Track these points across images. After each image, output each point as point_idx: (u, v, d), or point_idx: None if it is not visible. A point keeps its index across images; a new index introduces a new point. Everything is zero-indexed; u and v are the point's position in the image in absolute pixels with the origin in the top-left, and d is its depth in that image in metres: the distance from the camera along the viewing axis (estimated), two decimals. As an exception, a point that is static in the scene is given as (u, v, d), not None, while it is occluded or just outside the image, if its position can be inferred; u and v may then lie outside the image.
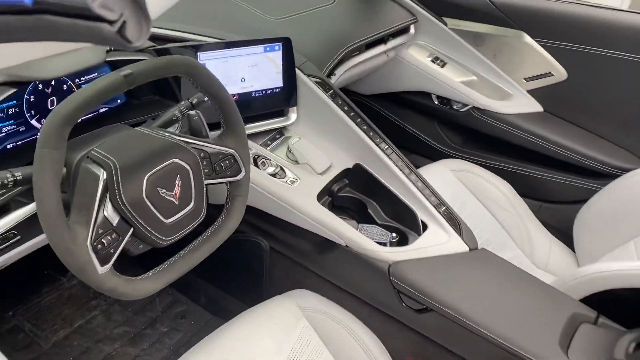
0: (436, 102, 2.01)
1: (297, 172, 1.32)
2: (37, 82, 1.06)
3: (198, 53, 1.22)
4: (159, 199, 0.91)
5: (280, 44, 1.32)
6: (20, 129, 1.06)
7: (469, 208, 1.66)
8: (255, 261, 1.44)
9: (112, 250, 0.87)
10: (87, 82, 1.15)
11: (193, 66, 0.94)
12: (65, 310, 1.58)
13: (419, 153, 2.16)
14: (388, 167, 1.31)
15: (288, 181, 1.30)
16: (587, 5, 1.73)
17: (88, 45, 0.83)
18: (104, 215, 0.86)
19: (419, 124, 2.12)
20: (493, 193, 1.70)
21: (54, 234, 0.79)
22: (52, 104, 1.10)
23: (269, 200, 1.29)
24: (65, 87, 1.11)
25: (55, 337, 1.49)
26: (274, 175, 1.31)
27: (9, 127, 1.04)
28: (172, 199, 0.94)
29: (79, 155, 0.90)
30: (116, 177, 0.86)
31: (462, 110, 1.94)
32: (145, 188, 0.89)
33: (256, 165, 1.31)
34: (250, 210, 1.33)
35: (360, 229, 1.26)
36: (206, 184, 1.02)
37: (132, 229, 0.90)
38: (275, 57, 1.33)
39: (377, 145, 1.33)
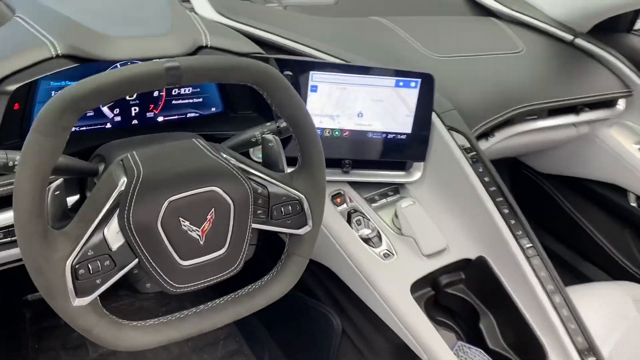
0: (634, 204, 1.51)
1: (396, 245, 1.01)
2: (118, 66, 0.93)
3: (311, 72, 0.99)
4: (177, 232, 0.69)
5: (419, 80, 1.03)
6: (88, 114, 0.94)
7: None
8: (323, 339, 1.14)
9: (98, 281, 0.67)
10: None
11: (266, 74, 0.69)
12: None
13: (594, 262, 1.65)
14: (523, 274, 0.93)
15: (381, 253, 0.99)
16: None
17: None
18: (103, 234, 0.66)
19: (603, 225, 1.62)
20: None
21: (23, 243, 0.61)
22: (131, 94, 0.96)
23: (349, 270, 0.99)
24: (150, 78, 0.96)
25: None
26: (366, 240, 1.01)
27: (74, 108, 0.92)
28: (196, 236, 0.71)
29: (119, 157, 0.72)
30: (133, 190, 0.66)
31: (669, 223, 1.42)
32: (163, 213, 0.67)
33: (348, 221, 1.03)
34: (329, 274, 1.04)
35: (458, 349, 0.90)
36: (255, 229, 0.77)
37: (135, 261, 0.68)
38: (408, 96, 1.04)
39: (516, 239, 0.96)
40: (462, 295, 1.00)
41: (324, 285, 1.12)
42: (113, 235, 0.66)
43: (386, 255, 0.99)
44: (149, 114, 0.99)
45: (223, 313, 0.77)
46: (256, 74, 0.68)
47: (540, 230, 1.81)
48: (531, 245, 0.95)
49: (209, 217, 0.71)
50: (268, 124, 0.92)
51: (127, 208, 0.65)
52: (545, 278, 0.92)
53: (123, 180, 0.67)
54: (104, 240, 0.65)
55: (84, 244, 0.64)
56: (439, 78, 1.20)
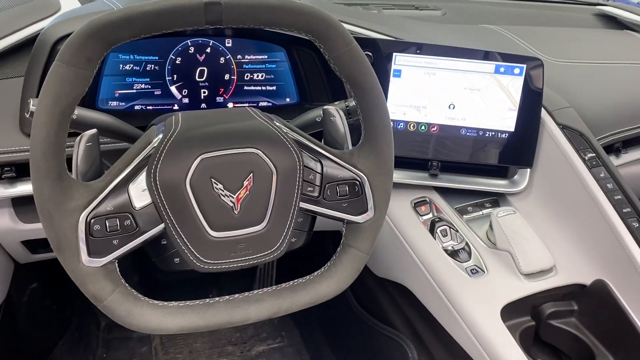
0: None
1: (488, 260, 0.82)
2: (190, 43, 0.89)
3: (394, 54, 0.88)
4: (208, 196, 0.60)
5: (524, 67, 0.87)
6: (155, 92, 0.90)
7: None
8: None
9: (115, 242, 0.59)
10: (252, 62, 0.94)
11: (323, 20, 0.59)
12: (199, 343, 1.36)
13: None
14: (659, 306, 0.69)
15: (468, 269, 0.81)
16: None
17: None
18: (127, 190, 0.58)
19: None
20: None
21: (34, 182, 0.55)
22: (200, 75, 0.91)
23: (428, 287, 0.82)
24: (222, 60, 0.92)
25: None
26: (452, 254, 0.83)
27: (143, 85, 0.89)
28: (230, 203, 0.61)
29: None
30: (164, 145, 0.59)
31: None
32: (193, 171, 0.59)
33: (432, 230, 0.86)
34: (407, 296, 0.88)
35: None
36: (303, 209, 0.65)
37: (161, 226, 0.60)
38: (511, 85, 0.88)
39: (651, 260, 0.72)
40: (573, 330, 0.77)
41: (401, 310, 0.94)
42: (138, 192, 0.58)
43: (474, 272, 0.80)
44: (219, 99, 0.93)
45: (259, 306, 0.64)
46: (310, 19, 0.58)
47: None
48: (672, 268, 0.71)
49: (246, 182, 0.60)
50: (337, 102, 0.82)
51: (155, 163, 0.57)
52: (692, 313, 0.68)
53: (159, 137, 0.60)
54: (128, 196, 0.58)
55: (104, 197, 0.57)
56: (558, 83, 1.03)
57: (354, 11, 1.19)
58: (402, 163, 0.92)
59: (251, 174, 0.60)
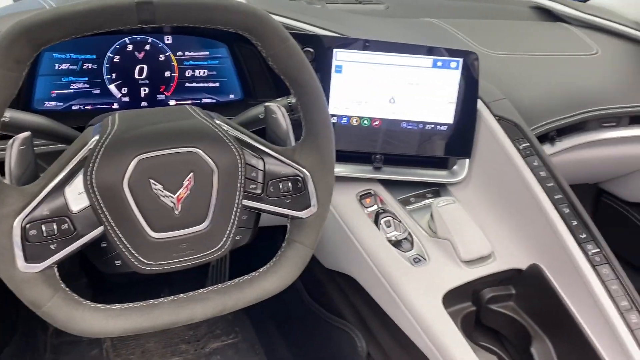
0: None
1: (429, 249, 0.84)
2: (128, 40, 0.87)
3: (334, 49, 0.89)
4: (147, 196, 0.59)
5: (461, 60, 0.90)
6: (94, 91, 0.88)
7: None
8: (346, 363, 0.97)
9: (52, 246, 0.58)
10: (193, 59, 0.93)
11: (259, 18, 0.59)
12: (151, 343, 1.35)
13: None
14: (588, 287, 0.74)
15: (411, 258, 0.83)
16: None
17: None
18: (64, 193, 0.57)
19: None
20: None
21: None
22: (140, 73, 0.90)
23: (373, 277, 0.84)
24: (162, 57, 0.90)
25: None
26: (396, 243, 0.85)
27: (80, 85, 0.87)
28: (170, 203, 0.60)
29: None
30: (101, 146, 0.58)
31: None
32: (131, 172, 0.58)
33: (376, 222, 0.88)
34: (355, 287, 0.89)
35: (501, 377, 0.71)
36: (247, 207, 0.65)
37: (100, 229, 0.59)
38: (448, 78, 0.90)
39: (579, 243, 0.77)
40: (511, 313, 0.81)
41: (349, 300, 0.96)
42: (75, 195, 0.57)
43: (416, 260, 0.83)
44: (160, 96, 0.92)
45: (205, 304, 0.65)
46: (245, 17, 0.58)
47: (628, 268, 1.53)
48: (598, 250, 0.76)
49: (186, 182, 0.60)
50: (279, 99, 0.82)
51: (91, 165, 0.56)
52: (617, 292, 0.72)
53: (95, 138, 0.59)
54: (64, 200, 0.57)
55: (40, 202, 0.55)
56: (495, 75, 1.06)
57: (296, 6, 1.19)
58: (347, 157, 0.93)
59: (191, 174, 0.60)
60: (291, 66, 0.62)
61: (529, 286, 0.80)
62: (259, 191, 0.65)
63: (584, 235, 0.77)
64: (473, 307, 0.82)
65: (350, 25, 1.09)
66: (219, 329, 1.38)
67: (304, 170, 0.66)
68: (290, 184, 0.66)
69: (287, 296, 0.68)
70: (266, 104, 0.76)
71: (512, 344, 0.81)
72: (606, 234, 1.62)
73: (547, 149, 1.07)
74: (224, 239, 0.64)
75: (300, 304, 1.12)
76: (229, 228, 0.63)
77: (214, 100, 0.96)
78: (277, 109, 0.75)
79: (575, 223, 0.78)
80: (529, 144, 0.87)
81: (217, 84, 0.95)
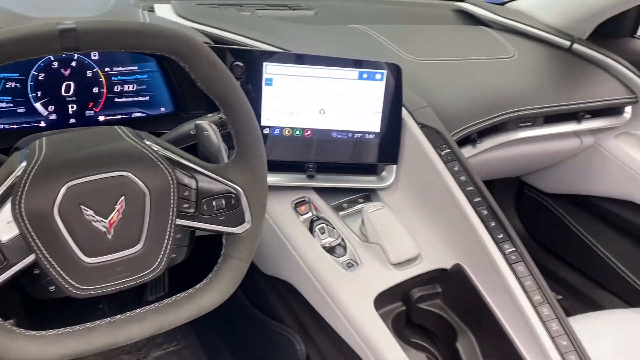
0: (648, 221, 1.36)
1: (361, 254, 0.88)
2: (52, 58, 0.86)
3: (264, 63, 0.91)
4: (79, 223, 0.59)
5: (385, 72, 0.94)
6: (19, 110, 0.86)
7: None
8: (286, 367, 1.01)
9: None
10: (121, 74, 0.92)
11: (186, 42, 0.60)
12: (91, 356, 1.33)
13: (609, 289, 1.48)
14: (505, 284, 0.80)
15: (344, 263, 0.87)
16: None
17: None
18: None
19: (617, 247, 1.46)
20: None
21: None
22: (67, 90, 0.88)
23: (308, 283, 0.87)
24: (89, 73, 0.89)
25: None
26: (330, 250, 0.89)
27: (4, 104, 0.85)
28: (102, 228, 0.61)
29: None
30: (28, 174, 0.57)
31: (691, 240, 1.26)
32: (61, 199, 0.58)
33: (311, 229, 0.91)
34: (294, 292, 0.92)
35: (429, 371, 0.76)
36: (181, 226, 0.67)
37: (32, 257, 0.58)
38: (374, 89, 0.94)
39: (497, 243, 0.83)
40: (438, 311, 0.86)
41: (288, 306, 0.99)
42: (3, 225, 0.57)
43: (349, 265, 0.87)
44: (89, 113, 0.91)
45: (142, 324, 0.66)
46: (172, 42, 0.59)
47: (548, 255, 1.65)
48: (514, 249, 0.82)
49: (117, 206, 0.61)
50: (210, 115, 0.83)
51: (20, 193, 0.56)
52: (530, 287, 0.79)
53: (22, 165, 0.58)
54: None
55: None
56: (419, 81, 1.11)
57: (226, 14, 1.20)
58: (281, 166, 0.96)
59: (123, 197, 0.61)
60: (220, 88, 0.64)
61: (454, 285, 0.86)
62: (192, 210, 0.67)
63: (501, 236, 0.83)
64: (403, 306, 0.87)
65: (280, 35, 1.11)
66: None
67: (236, 187, 0.68)
68: (223, 201, 0.68)
69: (228, 302, 0.70)
70: (197, 122, 0.78)
71: (440, 340, 0.87)
72: (528, 222, 1.75)
73: (470, 150, 1.14)
74: (159, 260, 0.65)
75: (240, 309, 1.14)
76: (163, 248, 0.65)
77: (145, 114, 0.96)
78: (209, 127, 0.76)
79: (493, 224, 0.84)
80: (450, 150, 0.92)
81: (147, 98, 0.95)
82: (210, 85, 0.63)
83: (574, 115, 1.30)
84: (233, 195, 0.68)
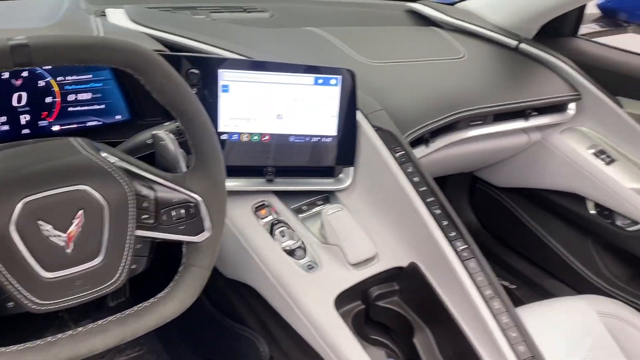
0: (592, 212, 1.44)
1: (321, 255, 0.91)
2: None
3: (219, 70, 0.91)
4: (37, 238, 0.59)
5: (339, 77, 0.96)
6: (-33, 121, 0.85)
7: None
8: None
9: None
10: (75, 83, 0.91)
11: (139, 54, 0.61)
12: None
13: (558, 277, 1.56)
14: (458, 280, 0.84)
15: (305, 265, 0.89)
16: None
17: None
18: None
19: (564, 237, 1.54)
20: (661, 364, 1.07)
21: None
22: (19, 100, 0.87)
23: (270, 286, 0.89)
24: (42, 83, 0.88)
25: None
26: (290, 252, 0.91)
27: (-48, 117, 0.83)
28: (61, 242, 0.61)
29: None
30: None
31: (629, 229, 1.35)
32: (18, 216, 0.57)
33: (271, 232, 0.93)
34: (256, 295, 0.94)
35: (388, 367, 0.79)
36: (141, 237, 0.67)
37: None
38: (329, 94, 0.97)
39: (450, 241, 0.87)
40: (396, 308, 0.90)
41: (251, 308, 1.01)
42: None
43: (310, 267, 0.89)
44: (42, 123, 0.90)
45: (104, 335, 0.66)
46: (126, 55, 0.60)
47: (501, 246, 1.72)
48: (466, 246, 0.86)
49: (76, 220, 0.61)
50: (167, 123, 0.84)
51: None
52: (482, 282, 0.83)
53: None
54: None
55: None
56: (372, 83, 1.14)
57: (180, 18, 1.20)
58: (240, 171, 0.97)
59: (81, 211, 0.61)
60: (176, 99, 0.65)
61: (410, 282, 0.89)
62: (151, 221, 0.68)
63: (454, 234, 0.87)
64: (362, 305, 0.90)
65: (236, 39, 1.12)
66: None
67: (195, 196, 0.69)
68: (183, 211, 0.69)
69: (191, 306, 0.71)
70: (154, 131, 0.78)
71: (399, 336, 0.90)
72: (481, 215, 1.81)
73: (423, 150, 1.18)
74: (120, 271, 0.66)
75: (203, 313, 1.15)
76: (123, 260, 0.66)
77: (101, 123, 0.95)
78: (166, 136, 0.77)
79: (445, 223, 0.88)
80: (404, 152, 0.96)
81: (102, 106, 0.94)
82: (166, 97, 0.64)
83: (521, 113, 1.35)
84: (192, 204, 0.70)
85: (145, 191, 0.67)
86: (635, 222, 1.34)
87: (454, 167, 1.53)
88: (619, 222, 1.38)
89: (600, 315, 1.12)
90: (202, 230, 0.71)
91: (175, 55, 0.89)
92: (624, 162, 1.39)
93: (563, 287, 1.55)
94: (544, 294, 1.59)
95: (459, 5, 1.63)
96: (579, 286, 1.50)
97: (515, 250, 1.70)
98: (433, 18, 1.53)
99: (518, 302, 1.59)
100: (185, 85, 0.65)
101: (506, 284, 1.68)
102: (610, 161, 1.40)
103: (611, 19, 1.54)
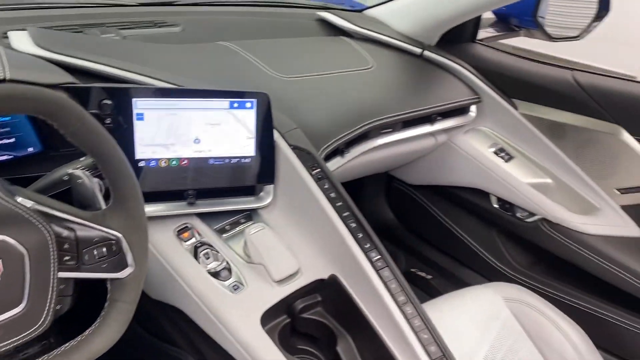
0: (495, 205, 1.56)
1: (246, 275, 0.94)
2: None
3: (134, 99, 0.92)
4: None
5: (255, 101, 0.99)
6: None
7: (519, 358, 1.16)
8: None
9: None
10: (-20, 118, 0.89)
11: (51, 102, 0.61)
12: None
13: (471, 267, 1.68)
14: (374, 288, 0.90)
15: (231, 286, 0.92)
16: None
17: None
18: None
19: (472, 229, 1.66)
20: (558, 342, 1.19)
21: None
22: None
23: (197, 308, 0.91)
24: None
25: None
26: (215, 274, 0.94)
27: None
28: (-18, 293, 0.60)
29: None
30: None
31: (528, 220, 1.48)
32: None
33: (195, 255, 0.95)
34: (182, 315, 0.96)
35: (313, 377, 0.84)
36: (63, 278, 0.68)
37: None
38: (245, 117, 1.00)
39: (365, 252, 0.93)
40: (319, 318, 0.95)
41: (180, 328, 1.03)
42: None
43: (235, 287, 0.93)
44: (-51, 161, 0.87)
45: None
46: (38, 103, 0.60)
47: (417, 239, 1.83)
48: (380, 257, 0.93)
49: None
50: (82, 158, 0.84)
51: None
52: (395, 289, 0.90)
53: None
54: None
55: None
56: (286, 99, 1.18)
57: (89, 40, 1.17)
58: (161, 195, 0.98)
59: (0, 261, 0.61)
60: (90, 141, 0.66)
61: (331, 293, 0.95)
62: (73, 262, 0.69)
63: (368, 245, 0.93)
64: (288, 318, 0.95)
65: (149, 61, 1.12)
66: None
67: (115, 233, 0.71)
68: (104, 249, 0.71)
69: None
70: (70, 170, 0.78)
71: (324, 344, 0.96)
72: (397, 211, 1.91)
73: (339, 160, 1.24)
74: (44, 315, 0.66)
75: (132, 335, 1.15)
76: (47, 304, 0.66)
77: (12, 157, 0.93)
78: (82, 174, 0.77)
79: (360, 235, 0.94)
80: (320, 169, 1.01)
81: (12, 140, 0.92)
82: (80, 140, 0.65)
83: (428, 118, 1.45)
84: (113, 241, 0.71)
85: (65, 233, 0.67)
86: (532, 214, 1.47)
87: (370, 170, 1.61)
88: (518, 214, 1.51)
89: (506, 301, 1.24)
90: (126, 266, 0.72)
91: (87, 87, 0.89)
92: (520, 159, 1.53)
93: (474, 274, 1.68)
94: (457, 282, 1.72)
95: (366, 12, 1.70)
96: (488, 273, 1.63)
97: (430, 242, 1.81)
98: (343, 28, 1.59)
99: (435, 291, 1.71)
100: (99, 127, 0.67)
101: (423, 274, 1.80)
102: (508, 158, 1.53)
103: (505, 23, 1.66)
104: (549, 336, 1.18)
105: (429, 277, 1.77)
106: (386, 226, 1.91)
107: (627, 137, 1.33)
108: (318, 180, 1.00)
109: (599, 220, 1.40)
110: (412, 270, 1.80)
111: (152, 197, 0.97)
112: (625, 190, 1.39)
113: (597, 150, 1.41)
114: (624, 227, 1.38)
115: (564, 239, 1.39)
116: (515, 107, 1.52)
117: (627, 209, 1.39)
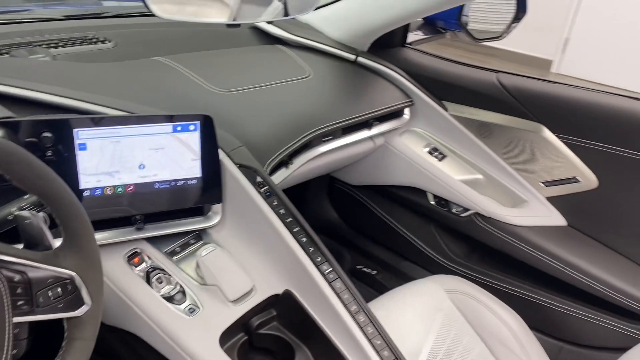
0: (432, 202, 1.64)
1: (202, 297, 0.96)
2: None
3: (74, 129, 0.90)
4: None
5: (198, 123, 1.00)
6: None
7: (462, 347, 1.24)
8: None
9: None
10: None
11: None
12: None
13: (413, 261, 1.76)
14: (327, 300, 0.94)
15: (186, 309, 0.94)
16: (628, 97, 1.36)
17: None
18: None
19: (413, 225, 1.74)
20: (496, 327, 1.28)
21: None
22: None
23: (153, 334, 0.92)
24: None
25: None
26: (169, 298, 0.94)
27: None
28: None
29: None
30: None
31: (462, 215, 1.57)
32: None
33: (148, 281, 0.95)
34: (137, 339, 0.96)
35: (274, 391, 0.87)
36: (19, 323, 0.67)
37: None
38: (190, 140, 1.00)
39: (317, 266, 0.96)
40: (276, 332, 0.98)
41: (136, 352, 1.03)
42: None
43: (191, 311, 0.94)
44: None
45: None
46: None
47: (361, 237, 1.89)
48: (331, 269, 0.97)
49: None
50: (26, 196, 0.82)
51: None
52: (348, 300, 0.94)
53: None
54: None
55: None
56: (227, 114, 1.19)
57: (19, 65, 1.13)
58: (109, 223, 0.98)
59: None
60: (39, 184, 0.66)
61: (286, 307, 0.98)
62: (28, 306, 0.68)
63: (320, 259, 0.97)
64: (246, 336, 0.97)
65: (82, 82, 1.10)
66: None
67: (70, 272, 0.71)
68: (59, 289, 0.70)
69: None
70: (15, 212, 0.77)
71: (282, 358, 0.99)
72: (340, 210, 1.96)
73: (284, 172, 1.27)
74: None
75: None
76: (4, 351, 0.65)
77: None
78: (29, 214, 0.76)
79: (312, 249, 0.98)
80: (268, 186, 1.03)
81: (-55, 178, 0.89)
82: (28, 185, 0.65)
83: (366, 124, 1.50)
84: (68, 280, 0.71)
85: (17, 277, 0.66)
86: (466, 209, 1.56)
87: (313, 175, 1.64)
88: (454, 210, 1.60)
89: (447, 292, 1.31)
90: (82, 304, 0.72)
91: (27, 120, 0.87)
92: (453, 158, 1.61)
93: (415, 267, 1.76)
94: (401, 275, 1.80)
95: (299, 17, 1.72)
96: (429, 266, 1.71)
97: (373, 239, 1.88)
98: (278, 36, 1.60)
99: (380, 285, 1.78)
100: (47, 170, 0.66)
101: (368, 270, 1.86)
102: (442, 157, 1.61)
103: (432, 26, 1.73)
104: (487, 322, 1.27)
105: (374, 272, 1.83)
106: (330, 225, 1.96)
107: (548, 134, 1.44)
108: (267, 197, 1.02)
109: (527, 212, 1.51)
110: (358, 267, 1.86)
111: (99, 225, 0.96)
112: (549, 183, 1.51)
113: (522, 147, 1.51)
114: (549, 217, 1.50)
115: (496, 231, 1.49)
116: (446, 109, 1.60)
117: (552, 200, 1.51)
